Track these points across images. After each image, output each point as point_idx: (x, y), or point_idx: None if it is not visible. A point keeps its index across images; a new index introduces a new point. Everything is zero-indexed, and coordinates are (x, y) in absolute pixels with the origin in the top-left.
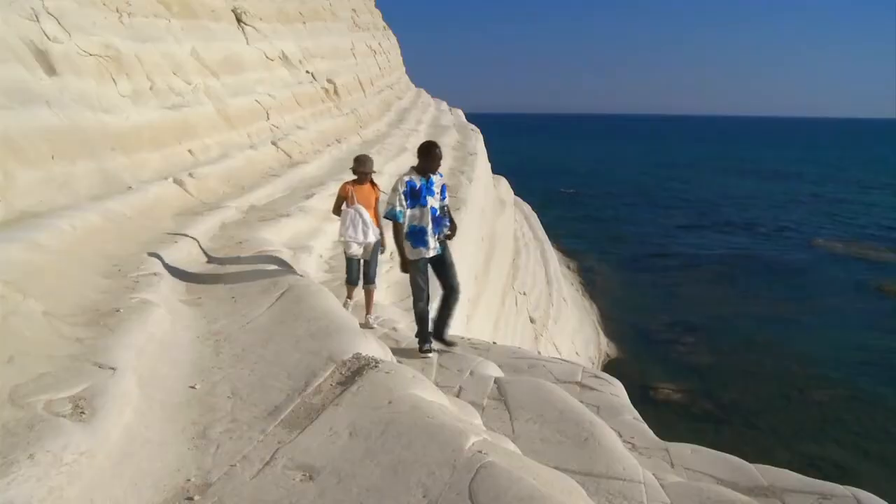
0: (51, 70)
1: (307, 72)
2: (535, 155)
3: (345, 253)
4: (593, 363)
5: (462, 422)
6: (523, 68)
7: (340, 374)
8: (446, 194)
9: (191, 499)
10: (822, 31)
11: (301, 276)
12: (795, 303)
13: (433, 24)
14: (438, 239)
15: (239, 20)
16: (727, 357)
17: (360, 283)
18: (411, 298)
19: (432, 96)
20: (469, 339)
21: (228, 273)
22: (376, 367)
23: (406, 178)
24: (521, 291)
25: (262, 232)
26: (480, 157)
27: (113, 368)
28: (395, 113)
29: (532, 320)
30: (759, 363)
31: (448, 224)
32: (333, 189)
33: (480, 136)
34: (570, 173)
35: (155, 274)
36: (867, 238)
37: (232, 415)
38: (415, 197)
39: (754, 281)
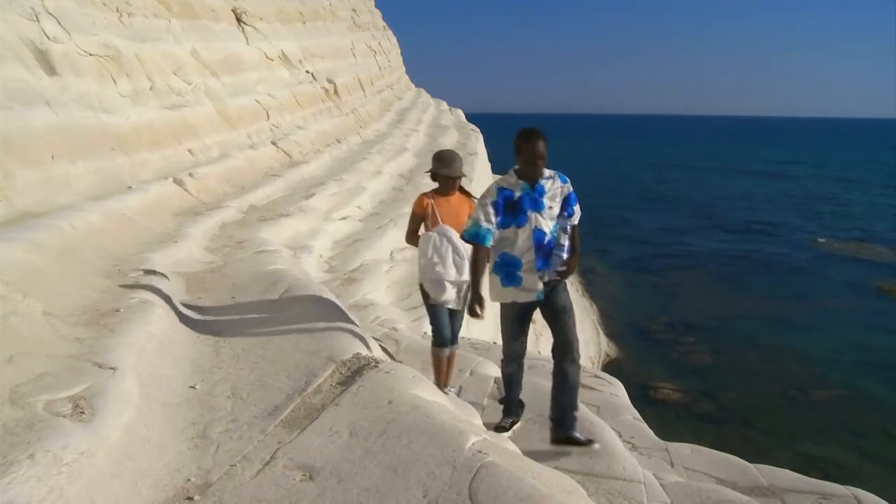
0: (51, 70)
1: (307, 72)
2: None
3: (427, 299)
4: (593, 363)
5: (462, 422)
6: (523, 68)
7: (340, 374)
8: (575, 208)
9: (191, 499)
10: (822, 31)
11: (301, 276)
12: (795, 303)
13: (433, 24)
14: (545, 277)
15: (239, 20)
16: (727, 357)
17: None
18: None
19: (432, 96)
20: (469, 339)
21: (228, 273)
22: (376, 367)
23: (499, 186)
24: None
25: (262, 232)
26: (480, 157)
27: (113, 368)
28: (395, 113)
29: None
30: (759, 363)
31: (565, 256)
32: (334, 189)
33: (480, 136)
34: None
35: (155, 274)
36: (867, 238)
37: (232, 415)
38: (510, 211)
39: (754, 281)
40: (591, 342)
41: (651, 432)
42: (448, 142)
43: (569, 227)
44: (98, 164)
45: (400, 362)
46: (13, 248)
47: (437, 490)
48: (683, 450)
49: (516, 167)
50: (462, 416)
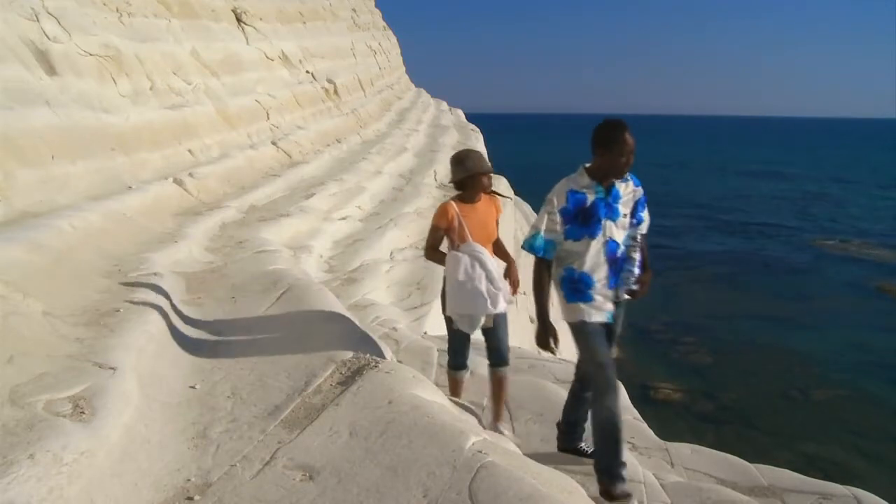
0: (51, 70)
1: (307, 72)
2: (535, 155)
3: (451, 326)
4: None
5: (462, 422)
6: (523, 68)
7: (340, 374)
8: (643, 215)
9: (191, 499)
10: (822, 30)
11: (301, 276)
12: (795, 303)
13: (433, 24)
14: (618, 296)
15: (239, 20)
16: (727, 357)
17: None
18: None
19: (432, 96)
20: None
21: (228, 273)
22: (376, 367)
23: (568, 188)
24: (521, 291)
25: (262, 232)
26: None
27: (113, 368)
28: (396, 113)
29: (532, 320)
30: (759, 363)
31: (638, 271)
32: (334, 189)
33: (480, 136)
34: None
35: (155, 274)
36: (867, 238)
37: (232, 415)
38: (581, 220)
39: (754, 281)
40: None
41: (651, 432)
42: (448, 142)
43: (638, 237)
44: (98, 164)
45: (400, 362)
46: (13, 248)
47: (437, 490)
48: (683, 450)
49: (587, 165)
50: (462, 416)
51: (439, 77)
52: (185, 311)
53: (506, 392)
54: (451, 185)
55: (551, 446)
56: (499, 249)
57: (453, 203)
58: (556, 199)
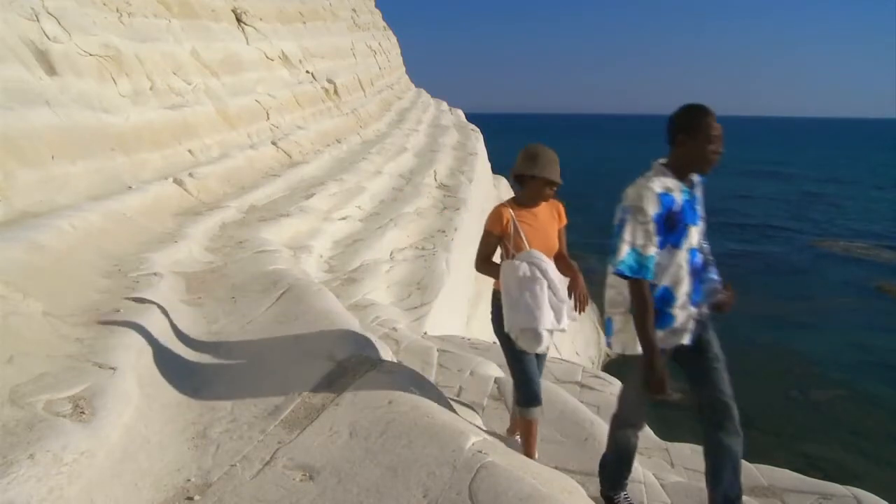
0: (51, 70)
1: (307, 72)
2: None
3: (509, 344)
4: (593, 363)
5: (462, 422)
6: (523, 68)
7: (340, 374)
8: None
9: (191, 499)
10: (822, 30)
11: (301, 276)
12: (795, 303)
13: (433, 24)
14: (701, 312)
15: (239, 20)
16: (727, 357)
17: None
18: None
19: (432, 96)
20: (469, 339)
21: (228, 273)
22: (376, 367)
23: (658, 189)
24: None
25: (262, 232)
26: (480, 157)
27: (113, 368)
28: (396, 113)
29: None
30: (759, 363)
31: (718, 280)
32: (334, 189)
33: (480, 136)
34: (570, 172)
35: (155, 274)
36: (867, 238)
37: (232, 415)
38: (668, 226)
39: (754, 281)
40: (591, 342)
41: (651, 432)
42: (448, 142)
43: (705, 244)
44: (98, 164)
45: (400, 362)
46: (13, 248)
47: (437, 490)
48: (683, 450)
49: (662, 161)
50: (462, 416)
51: (439, 77)
52: (185, 311)
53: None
54: (512, 176)
55: (551, 446)
56: (563, 264)
57: (508, 205)
58: (649, 205)
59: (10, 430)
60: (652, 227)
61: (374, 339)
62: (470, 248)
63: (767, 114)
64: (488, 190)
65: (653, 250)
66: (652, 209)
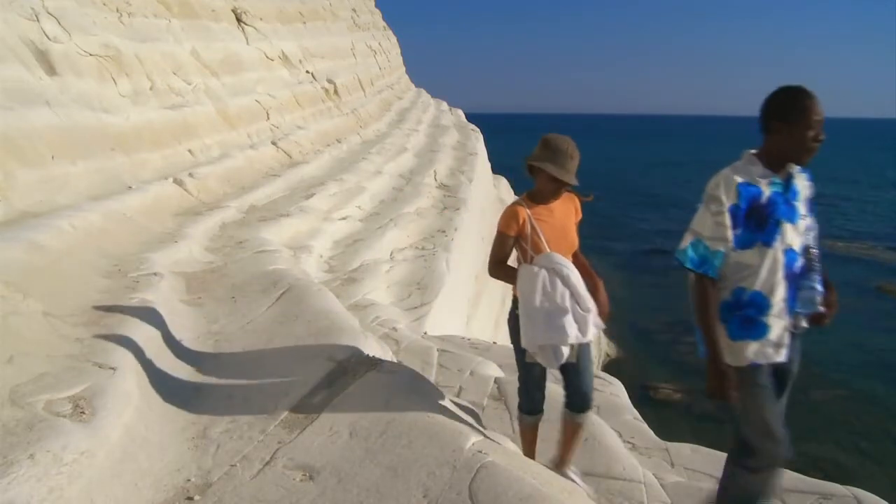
0: (51, 70)
1: (307, 72)
2: None
3: (522, 360)
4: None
5: (462, 422)
6: (523, 68)
7: (340, 374)
8: (813, 219)
9: (191, 499)
10: (822, 31)
11: (301, 276)
12: None
13: (433, 24)
14: (797, 324)
15: (239, 20)
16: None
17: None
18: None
19: (432, 96)
20: (469, 339)
21: (228, 273)
22: (376, 367)
23: (740, 179)
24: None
25: (262, 232)
26: (480, 157)
27: (113, 368)
28: (396, 113)
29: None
30: None
31: (821, 287)
32: (334, 189)
33: (480, 136)
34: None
35: (155, 274)
36: (867, 238)
37: (232, 415)
38: (754, 221)
39: None
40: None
41: (651, 432)
42: (448, 142)
43: (812, 246)
44: (98, 164)
45: (400, 362)
46: (13, 248)
47: (437, 490)
48: (683, 450)
49: (753, 151)
50: (462, 417)
51: (439, 77)
52: (185, 311)
53: (581, 440)
54: (525, 163)
55: (551, 446)
56: (579, 263)
57: (523, 202)
58: (725, 194)
59: (10, 430)
60: (726, 219)
61: (374, 339)
62: (470, 247)
63: None
64: (488, 190)
65: (723, 246)
66: (728, 199)
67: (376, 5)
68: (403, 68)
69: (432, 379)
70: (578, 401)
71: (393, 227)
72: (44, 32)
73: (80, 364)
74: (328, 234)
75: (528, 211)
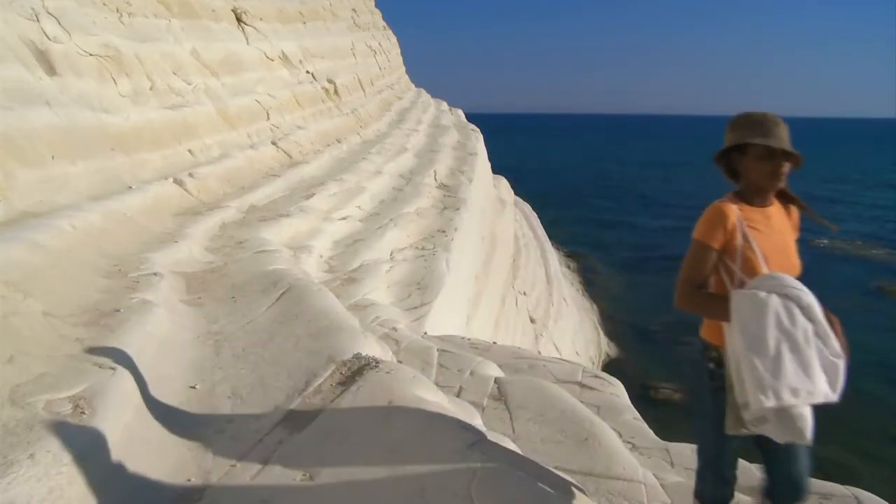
0: (51, 70)
1: (307, 72)
2: (534, 155)
3: (724, 431)
4: (593, 363)
5: (462, 422)
6: (523, 68)
7: (340, 374)
8: None
9: (191, 499)
10: (822, 31)
11: (301, 275)
12: None
13: (433, 24)
14: None
15: (239, 20)
16: None
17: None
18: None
19: (432, 96)
20: (469, 339)
21: (228, 273)
22: (376, 367)
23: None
24: (521, 291)
25: (262, 232)
26: (480, 157)
27: (113, 368)
28: (396, 113)
29: (532, 320)
30: None
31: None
32: (334, 189)
33: (480, 136)
34: (570, 171)
35: (155, 274)
36: (867, 238)
37: (232, 415)
38: None
39: None
40: (592, 342)
41: (651, 432)
42: (448, 142)
43: None
44: (98, 164)
45: (400, 362)
46: (13, 248)
47: (436, 490)
48: (683, 450)
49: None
50: (462, 416)
51: (439, 77)
52: (185, 311)
53: None
54: (715, 160)
55: (552, 446)
56: None
57: (731, 202)
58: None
59: (10, 430)
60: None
61: (374, 339)
62: (470, 247)
63: None
64: (488, 190)
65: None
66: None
67: (376, 5)
68: (403, 68)
69: (432, 379)
70: (789, 492)
71: (393, 227)
72: (44, 32)
73: (80, 364)
74: (328, 234)
75: (737, 213)
